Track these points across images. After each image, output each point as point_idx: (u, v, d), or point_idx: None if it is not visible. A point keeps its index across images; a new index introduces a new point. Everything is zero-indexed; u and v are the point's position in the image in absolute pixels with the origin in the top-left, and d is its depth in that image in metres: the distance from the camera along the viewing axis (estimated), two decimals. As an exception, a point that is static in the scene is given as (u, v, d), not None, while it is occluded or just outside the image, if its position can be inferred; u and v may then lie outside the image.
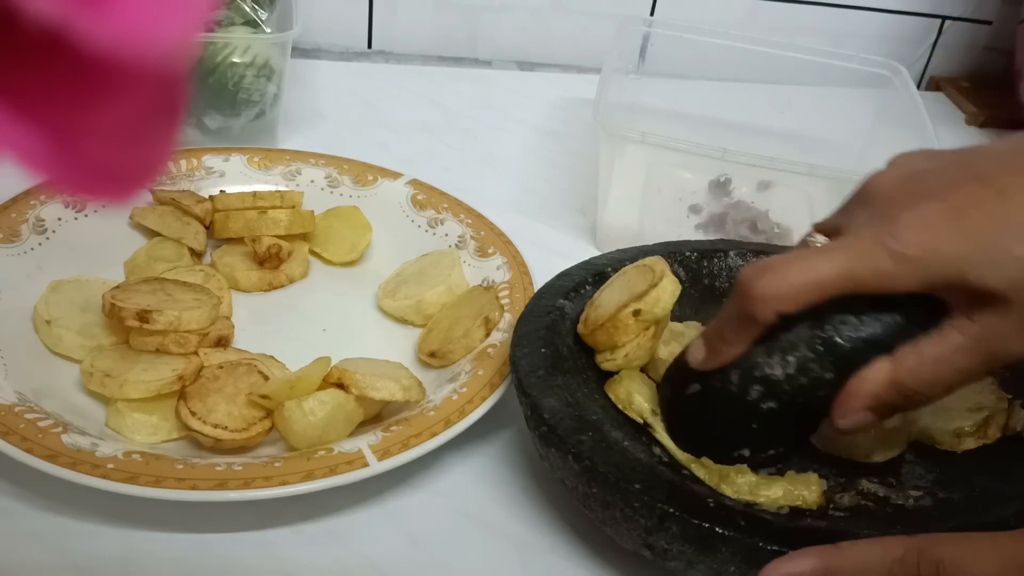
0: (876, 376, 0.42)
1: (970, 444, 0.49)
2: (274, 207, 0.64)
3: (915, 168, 0.42)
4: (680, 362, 0.48)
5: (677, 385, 0.48)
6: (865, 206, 0.43)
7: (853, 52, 0.84)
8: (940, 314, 0.41)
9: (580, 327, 0.52)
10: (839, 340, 0.42)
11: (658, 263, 0.51)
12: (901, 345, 0.41)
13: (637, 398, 0.49)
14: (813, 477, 0.46)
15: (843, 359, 0.42)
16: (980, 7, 1.05)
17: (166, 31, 0.17)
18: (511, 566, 0.46)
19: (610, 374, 0.51)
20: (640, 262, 0.52)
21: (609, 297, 0.51)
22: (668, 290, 0.49)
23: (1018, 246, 0.38)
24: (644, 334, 0.49)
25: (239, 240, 0.64)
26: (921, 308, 0.41)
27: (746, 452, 0.46)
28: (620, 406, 0.49)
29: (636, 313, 0.48)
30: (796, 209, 0.74)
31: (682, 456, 0.46)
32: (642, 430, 0.49)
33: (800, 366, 0.43)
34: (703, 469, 0.46)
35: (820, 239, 0.45)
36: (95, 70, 0.17)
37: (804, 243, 0.46)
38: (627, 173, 0.69)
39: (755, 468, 0.46)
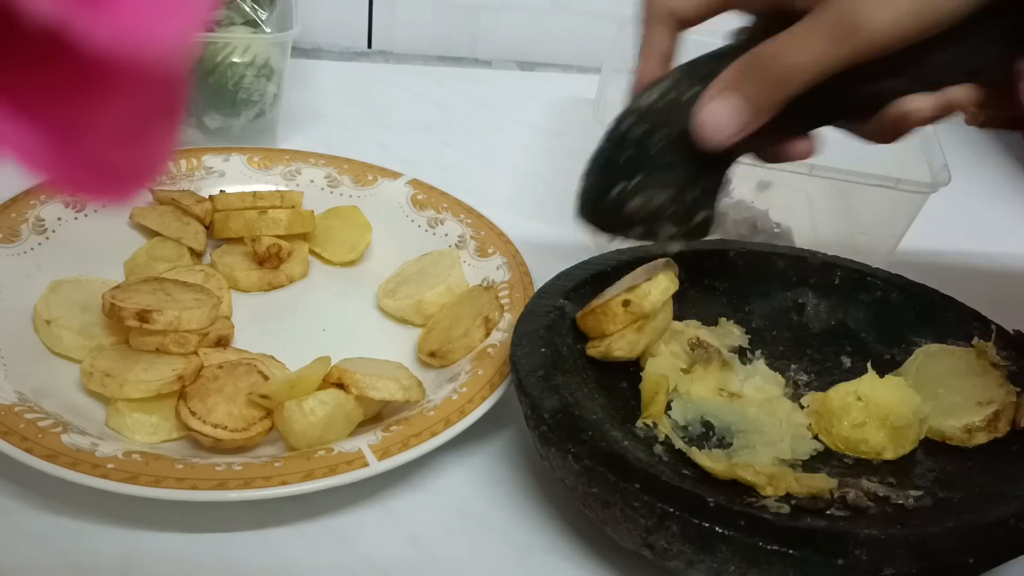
0: (731, 65, 0.42)
1: (981, 439, 0.49)
2: (274, 207, 0.64)
3: None
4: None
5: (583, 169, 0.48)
6: None
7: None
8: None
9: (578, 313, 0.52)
10: (705, 56, 0.44)
11: (667, 264, 0.51)
12: None
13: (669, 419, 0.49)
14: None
15: (709, 71, 0.43)
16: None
17: (166, 31, 0.17)
18: (511, 566, 0.46)
19: (610, 375, 0.51)
20: (658, 260, 0.53)
21: (614, 287, 0.52)
22: (661, 286, 0.49)
23: None
24: (631, 327, 0.49)
25: (239, 240, 0.64)
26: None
27: (633, 183, 0.44)
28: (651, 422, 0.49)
29: (626, 303, 0.48)
30: (796, 209, 0.74)
31: (721, 469, 0.46)
32: (642, 430, 0.49)
33: (667, 87, 0.44)
34: (750, 470, 0.45)
35: None
36: (95, 70, 0.17)
37: None
38: (627, 173, 0.69)
39: (654, 221, 0.45)
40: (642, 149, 0.44)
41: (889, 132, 0.44)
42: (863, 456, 0.49)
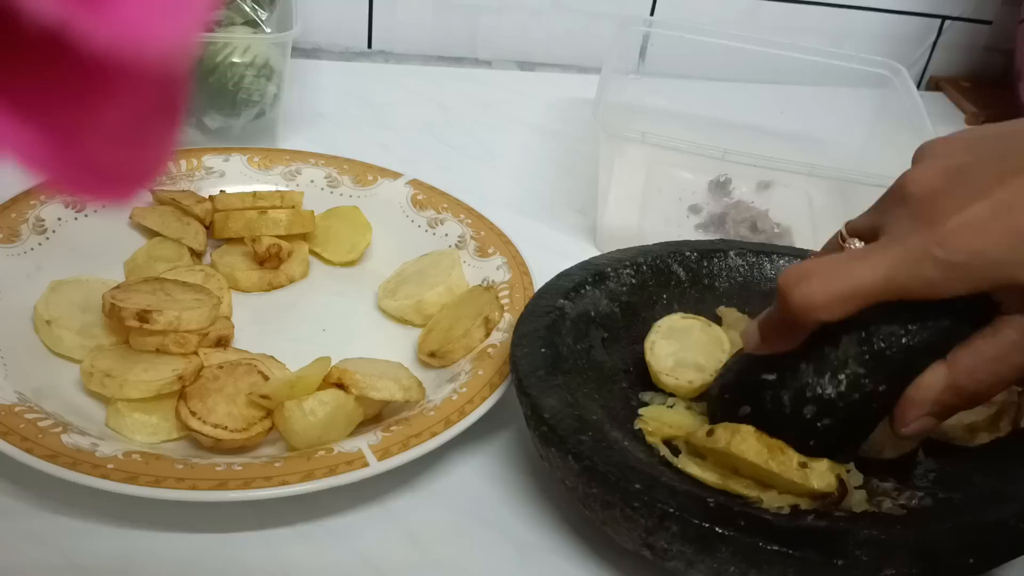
0: (933, 383, 0.41)
1: (984, 438, 0.49)
2: (274, 207, 0.64)
3: (954, 162, 0.41)
4: (727, 384, 0.48)
5: (727, 407, 0.47)
6: (904, 206, 0.41)
7: (853, 52, 0.84)
8: (991, 311, 0.40)
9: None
10: (889, 352, 0.42)
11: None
12: (953, 346, 0.41)
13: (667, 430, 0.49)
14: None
15: (895, 371, 0.42)
16: (980, 7, 1.05)
17: (166, 31, 0.17)
18: (511, 566, 0.46)
19: (610, 375, 0.51)
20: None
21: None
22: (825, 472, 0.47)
23: None
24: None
25: (239, 240, 0.64)
26: (971, 308, 0.40)
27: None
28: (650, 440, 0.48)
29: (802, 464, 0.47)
30: (796, 209, 0.74)
31: (713, 481, 0.45)
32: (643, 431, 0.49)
33: (851, 383, 0.42)
34: (744, 483, 0.45)
35: (857, 243, 0.45)
36: (95, 70, 0.17)
37: (838, 245, 0.45)
38: (627, 173, 0.69)
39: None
40: (831, 438, 0.44)
41: None
42: (863, 455, 0.49)
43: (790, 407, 0.44)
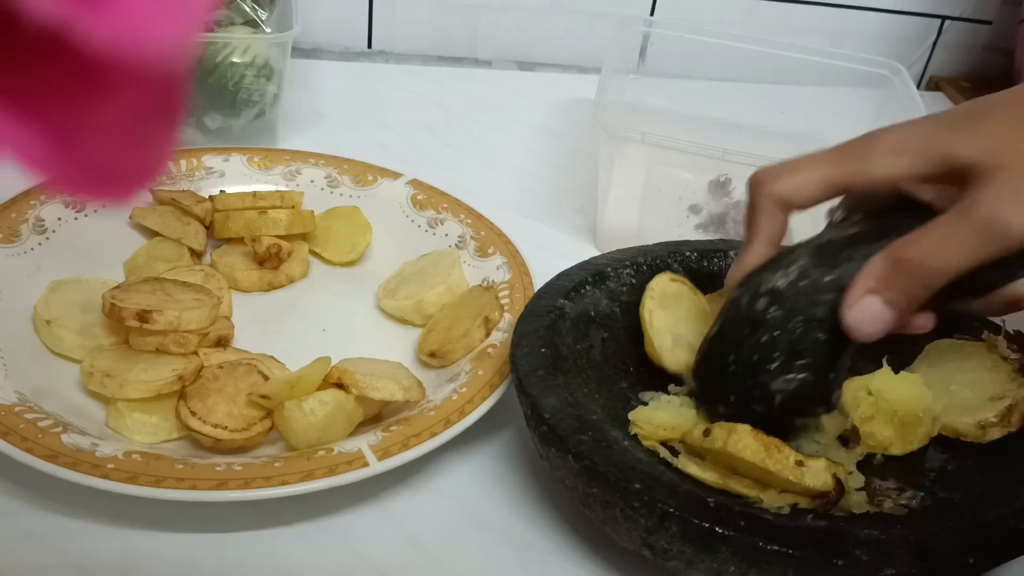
0: (874, 261, 0.43)
1: (995, 434, 0.49)
2: (274, 207, 0.64)
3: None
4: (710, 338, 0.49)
5: (703, 341, 0.49)
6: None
7: (853, 52, 0.84)
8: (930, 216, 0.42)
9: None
10: (834, 238, 0.45)
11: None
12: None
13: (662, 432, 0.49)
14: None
15: (842, 256, 0.44)
16: (980, 7, 1.05)
17: (166, 31, 0.17)
18: (511, 566, 0.46)
19: (610, 375, 0.51)
20: None
21: None
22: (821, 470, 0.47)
23: (989, 118, 0.41)
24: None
25: (239, 240, 0.64)
26: (914, 211, 0.43)
27: (773, 367, 0.45)
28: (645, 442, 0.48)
29: (799, 463, 0.47)
30: (796, 209, 0.74)
31: (713, 480, 0.45)
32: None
33: (800, 272, 0.45)
34: (744, 482, 0.45)
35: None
36: (95, 70, 0.17)
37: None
38: (627, 173, 0.69)
39: (794, 403, 0.46)
40: (782, 332, 0.45)
41: (1000, 309, 0.47)
42: (870, 450, 0.50)
43: (745, 307, 0.46)
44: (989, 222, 0.40)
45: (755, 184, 0.47)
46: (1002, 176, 0.40)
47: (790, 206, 0.46)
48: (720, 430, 0.45)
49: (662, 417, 0.49)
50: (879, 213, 0.46)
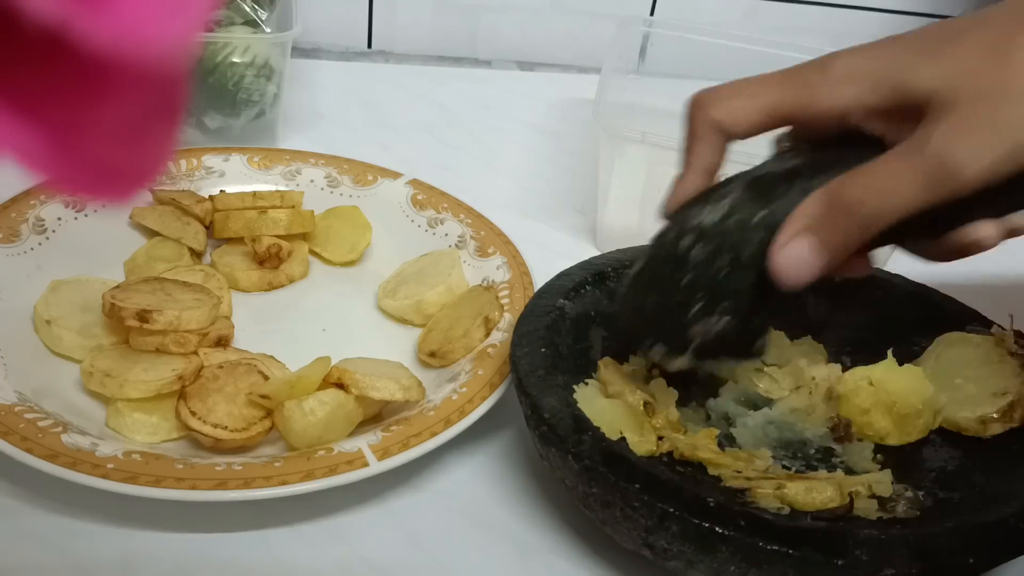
0: (809, 199, 0.39)
1: (996, 429, 0.49)
2: (274, 207, 0.64)
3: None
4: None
5: (626, 276, 0.46)
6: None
7: (853, 52, 0.84)
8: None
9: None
10: (771, 171, 0.42)
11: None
12: None
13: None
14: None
15: (777, 192, 0.41)
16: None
17: (166, 31, 0.17)
18: (511, 566, 0.46)
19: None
20: None
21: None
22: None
23: (954, 44, 0.37)
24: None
25: (239, 240, 0.64)
26: (863, 145, 0.40)
27: (693, 309, 0.42)
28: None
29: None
30: (796, 209, 0.74)
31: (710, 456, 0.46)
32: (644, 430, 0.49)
33: (730, 208, 0.41)
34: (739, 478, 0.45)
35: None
36: (95, 70, 0.17)
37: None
38: (627, 173, 0.69)
39: (712, 348, 0.43)
40: (706, 272, 0.42)
41: (952, 254, 0.43)
42: (868, 439, 0.50)
43: (670, 243, 0.43)
44: (939, 162, 0.36)
45: (694, 106, 0.43)
46: (958, 111, 0.36)
47: (729, 134, 0.43)
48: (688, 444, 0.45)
49: (611, 413, 0.48)
50: (824, 145, 0.43)
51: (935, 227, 0.42)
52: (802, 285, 0.40)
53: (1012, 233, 0.42)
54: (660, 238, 0.44)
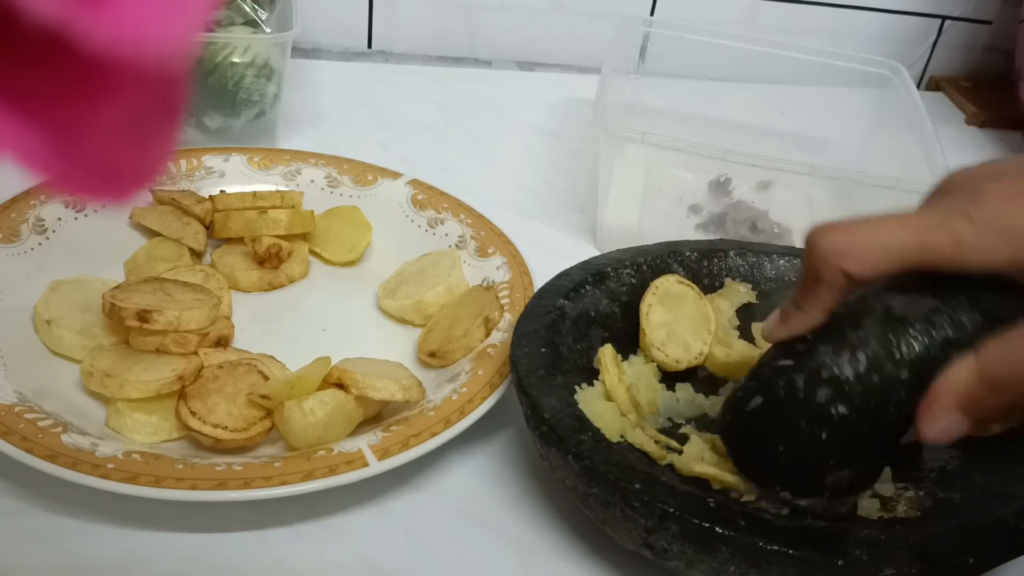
0: (960, 372, 0.38)
1: (996, 429, 0.49)
2: (274, 207, 0.64)
3: (993, 164, 0.41)
4: (741, 385, 0.45)
5: (738, 404, 0.44)
6: (944, 192, 0.40)
7: (853, 52, 0.84)
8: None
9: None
10: (914, 335, 0.39)
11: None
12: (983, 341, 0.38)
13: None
14: None
15: (920, 357, 0.39)
16: (980, 7, 1.05)
17: (166, 31, 0.17)
18: (511, 566, 0.46)
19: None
20: None
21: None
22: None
23: None
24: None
25: (239, 240, 0.64)
26: (1002, 300, 0.39)
27: (830, 463, 0.42)
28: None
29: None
30: (796, 209, 0.74)
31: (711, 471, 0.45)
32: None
33: (872, 363, 0.40)
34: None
35: None
36: (95, 70, 0.17)
37: None
38: (627, 173, 0.69)
39: (835, 496, 0.43)
40: (846, 431, 0.41)
41: None
42: None
43: (804, 390, 0.41)
44: None
45: (823, 255, 0.40)
46: None
47: (859, 281, 0.40)
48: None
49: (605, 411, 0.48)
50: (952, 283, 0.40)
51: None
52: (943, 443, 0.40)
53: None
54: (782, 376, 0.42)
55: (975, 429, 0.39)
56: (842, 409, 0.40)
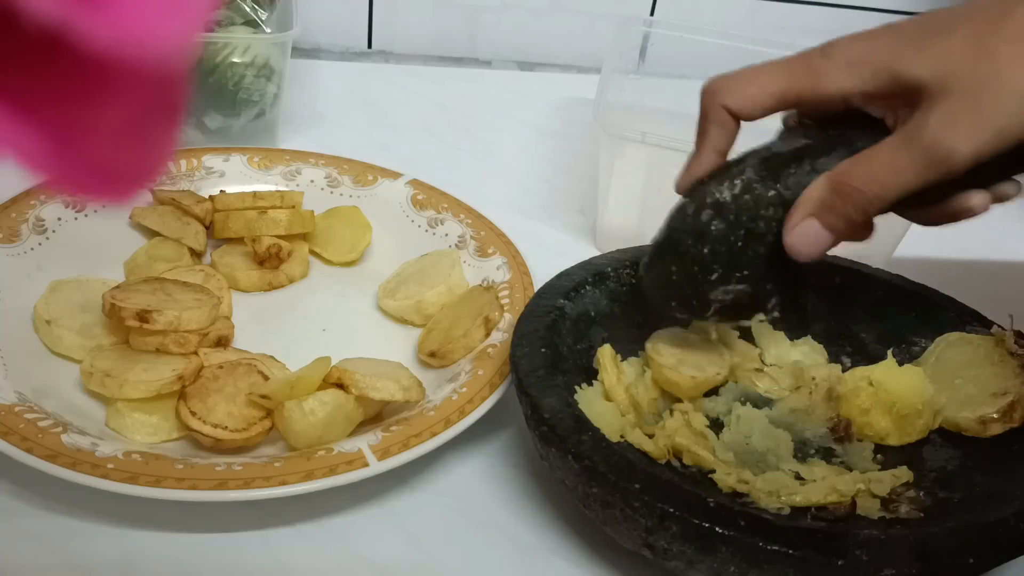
0: (816, 184, 0.44)
1: (996, 429, 0.49)
2: (274, 207, 0.64)
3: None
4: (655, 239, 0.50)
5: (651, 246, 0.50)
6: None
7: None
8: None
9: None
10: (781, 151, 0.46)
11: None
12: None
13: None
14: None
15: (785, 172, 0.45)
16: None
17: (166, 31, 0.17)
18: (511, 566, 0.46)
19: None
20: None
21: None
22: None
23: (943, 36, 0.41)
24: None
25: (239, 240, 0.64)
26: (864, 124, 0.44)
27: (713, 277, 0.47)
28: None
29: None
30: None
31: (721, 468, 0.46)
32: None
33: (745, 185, 0.46)
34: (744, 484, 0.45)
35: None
36: (95, 70, 0.17)
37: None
38: (627, 173, 0.69)
39: (721, 315, 0.48)
40: (724, 244, 0.46)
41: (945, 219, 0.47)
42: (868, 439, 0.50)
43: (691, 217, 0.47)
44: (933, 148, 0.40)
45: (708, 93, 0.47)
46: (949, 100, 0.40)
47: (740, 117, 0.47)
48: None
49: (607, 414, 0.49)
50: (829, 123, 0.47)
51: (930, 199, 0.45)
52: (813, 259, 0.45)
53: (999, 199, 0.46)
54: (679, 212, 0.48)
55: (838, 240, 0.44)
56: (719, 224, 0.46)
